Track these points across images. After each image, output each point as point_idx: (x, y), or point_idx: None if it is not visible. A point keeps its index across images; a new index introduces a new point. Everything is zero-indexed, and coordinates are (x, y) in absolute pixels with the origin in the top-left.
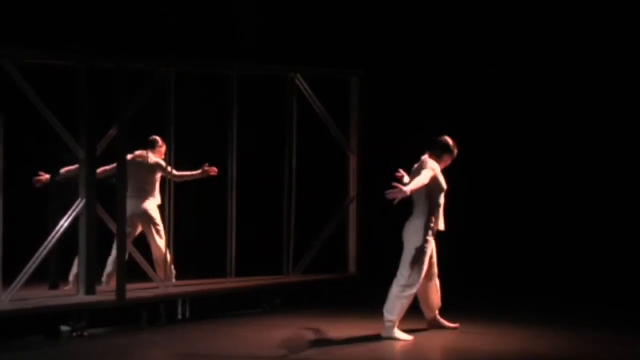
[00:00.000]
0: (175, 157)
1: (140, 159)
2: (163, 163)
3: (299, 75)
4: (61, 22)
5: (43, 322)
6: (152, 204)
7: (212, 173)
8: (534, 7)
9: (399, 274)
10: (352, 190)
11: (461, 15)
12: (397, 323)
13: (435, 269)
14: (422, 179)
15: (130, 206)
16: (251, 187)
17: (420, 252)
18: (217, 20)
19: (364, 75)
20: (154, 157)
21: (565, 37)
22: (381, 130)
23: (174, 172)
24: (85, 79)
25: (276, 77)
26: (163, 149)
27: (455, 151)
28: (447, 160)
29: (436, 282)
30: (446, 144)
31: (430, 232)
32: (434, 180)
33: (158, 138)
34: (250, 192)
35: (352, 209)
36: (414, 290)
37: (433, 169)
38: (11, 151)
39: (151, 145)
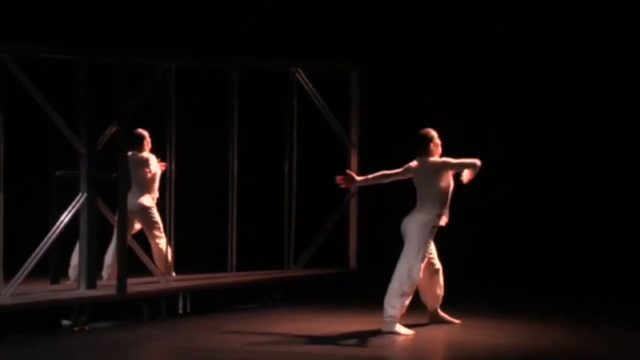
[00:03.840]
0: (176, 153)
1: (135, 154)
2: (153, 158)
3: (299, 70)
4: (62, 16)
5: (44, 316)
6: (148, 200)
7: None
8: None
9: (400, 268)
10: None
11: (462, 7)
12: (398, 318)
13: (439, 264)
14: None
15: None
16: (252, 181)
17: (423, 247)
18: (218, 14)
19: (365, 69)
20: (146, 152)
21: (571, 35)
22: (382, 125)
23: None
24: (86, 74)
25: (277, 72)
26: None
27: (434, 135)
28: (436, 150)
29: (440, 276)
30: (424, 135)
31: (434, 228)
32: (447, 174)
33: (145, 132)
34: (251, 187)
35: (353, 204)
36: (414, 285)
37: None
38: (11, 147)
39: (141, 140)
